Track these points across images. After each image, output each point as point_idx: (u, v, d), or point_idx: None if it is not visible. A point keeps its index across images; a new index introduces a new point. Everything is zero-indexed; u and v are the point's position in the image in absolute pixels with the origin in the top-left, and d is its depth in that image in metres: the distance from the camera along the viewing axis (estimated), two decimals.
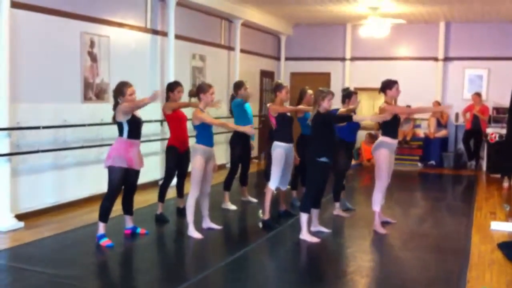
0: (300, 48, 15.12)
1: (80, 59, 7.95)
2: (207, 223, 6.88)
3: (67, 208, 7.66)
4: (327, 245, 6.44)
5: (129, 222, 6.53)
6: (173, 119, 7.20)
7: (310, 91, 7.58)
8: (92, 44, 8.16)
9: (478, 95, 12.93)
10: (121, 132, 6.11)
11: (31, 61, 7.16)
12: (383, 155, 6.90)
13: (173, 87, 7.26)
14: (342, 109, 7.26)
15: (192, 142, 6.80)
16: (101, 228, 6.09)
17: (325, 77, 14.76)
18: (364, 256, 6.02)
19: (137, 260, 5.95)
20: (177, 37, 9.87)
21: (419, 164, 13.32)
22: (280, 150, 6.94)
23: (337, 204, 7.84)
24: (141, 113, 6.35)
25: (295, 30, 15.12)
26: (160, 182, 7.85)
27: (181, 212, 7.37)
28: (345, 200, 8.15)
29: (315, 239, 6.42)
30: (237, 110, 7.98)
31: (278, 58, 15.17)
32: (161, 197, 7.24)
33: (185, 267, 5.84)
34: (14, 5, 6.71)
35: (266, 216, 7.03)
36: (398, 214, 8.24)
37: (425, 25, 13.85)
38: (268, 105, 7.25)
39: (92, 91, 8.17)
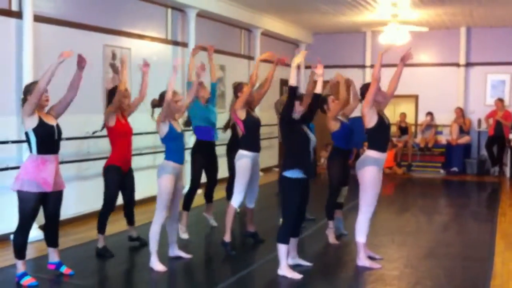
0: (320, 56, 14.98)
1: (102, 71, 8.07)
2: (175, 251, 5.97)
3: (90, 219, 7.71)
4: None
5: (53, 256, 5.50)
6: (116, 132, 6.05)
7: None
8: (114, 56, 8.28)
9: (500, 100, 12.82)
10: (29, 147, 5.08)
11: (54, 74, 7.24)
12: (370, 174, 5.61)
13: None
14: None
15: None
16: (20, 266, 5.14)
17: None
18: (387, 264, 5.96)
19: None
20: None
21: (442, 171, 13.21)
22: (246, 160, 6.16)
23: (330, 223, 6.69)
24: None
25: (314, 38, 15.13)
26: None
27: (138, 240, 6.44)
28: (341, 223, 6.93)
29: (296, 275, 5.35)
30: (197, 109, 6.89)
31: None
32: (102, 227, 6.09)
33: None
34: (37, 19, 6.84)
35: (227, 238, 6.20)
36: (422, 221, 8.20)
37: (445, 30, 13.77)
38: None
39: None
